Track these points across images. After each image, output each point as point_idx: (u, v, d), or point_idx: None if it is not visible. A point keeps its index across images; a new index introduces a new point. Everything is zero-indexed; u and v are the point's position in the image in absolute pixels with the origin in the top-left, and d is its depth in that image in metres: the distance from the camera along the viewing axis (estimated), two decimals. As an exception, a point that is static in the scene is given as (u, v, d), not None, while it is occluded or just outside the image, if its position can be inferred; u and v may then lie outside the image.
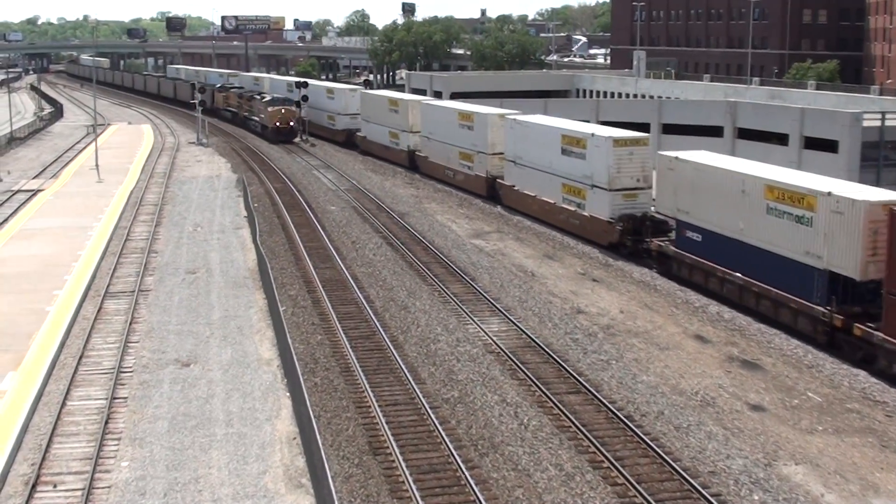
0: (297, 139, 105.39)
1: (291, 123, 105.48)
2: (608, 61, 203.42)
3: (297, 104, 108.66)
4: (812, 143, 70.28)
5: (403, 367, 33.94)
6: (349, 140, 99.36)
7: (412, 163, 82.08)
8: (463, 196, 69.28)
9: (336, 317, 39.85)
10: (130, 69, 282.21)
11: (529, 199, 60.41)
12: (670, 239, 46.98)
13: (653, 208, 50.17)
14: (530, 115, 66.45)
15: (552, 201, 57.28)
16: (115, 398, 31.37)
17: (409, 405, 30.79)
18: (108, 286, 44.86)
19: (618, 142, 51.27)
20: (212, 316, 40.46)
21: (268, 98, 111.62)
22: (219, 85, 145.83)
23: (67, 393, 31.71)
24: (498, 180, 65.57)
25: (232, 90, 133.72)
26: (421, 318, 39.87)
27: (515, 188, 62.45)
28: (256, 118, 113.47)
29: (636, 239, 49.70)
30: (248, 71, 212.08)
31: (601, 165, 51.70)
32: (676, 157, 45.74)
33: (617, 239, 50.63)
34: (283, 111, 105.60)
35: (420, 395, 31.22)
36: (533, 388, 32.25)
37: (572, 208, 54.87)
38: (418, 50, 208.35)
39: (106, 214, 61.41)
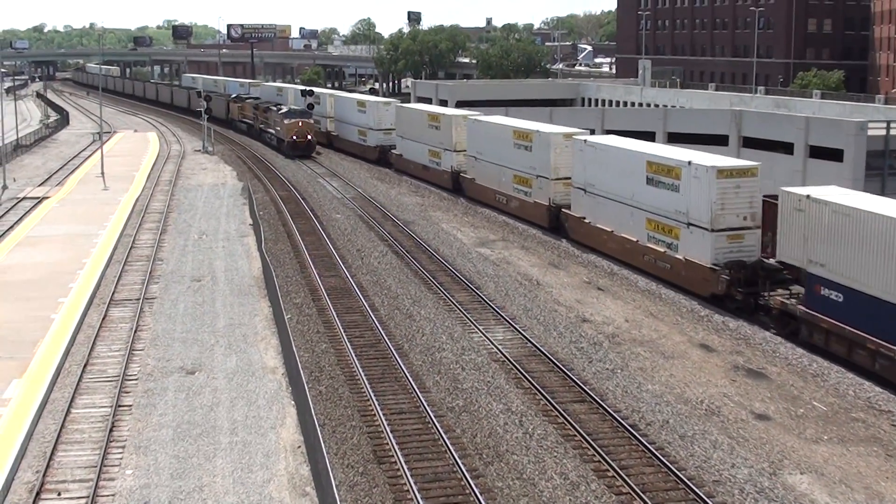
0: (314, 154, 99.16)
1: (309, 137, 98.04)
2: (613, 70, 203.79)
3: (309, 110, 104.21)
4: (817, 152, 70.26)
5: (408, 375, 33.92)
6: (382, 158, 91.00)
7: (456, 185, 73.89)
8: (521, 227, 60.99)
9: (341, 325, 39.85)
10: (137, 76, 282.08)
11: (604, 234, 52.00)
12: (795, 295, 39.05)
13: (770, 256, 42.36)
14: (604, 136, 58.96)
15: (634, 239, 49.12)
16: (120, 406, 31.36)
17: (413, 414, 30.77)
18: (113, 294, 44.89)
19: (722, 172, 43.13)
20: (217, 324, 40.46)
21: (284, 109, 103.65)
22: (234, 95, 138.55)
23: (72, 401, 31.72)
24: (564, 210, 56.94)
25: (247, 101, 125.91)
26: (426, 327, 39.86)
27: (586, 221, 54.04)
28: (272, 131, 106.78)
29: (749, 292, 41.31)
30: (254, 78, 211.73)
31: (701, 200, 43.73)
32: (808, 196, 37.63)
33: (723, 290, 42.19)
34: (300, 124, 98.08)
35: (425, 404, 31.19)
36: (538, 396, 32.23)
37: (661, 249, 46.78)
38: (424, 58, 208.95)
39: (111, 222, 61.47)
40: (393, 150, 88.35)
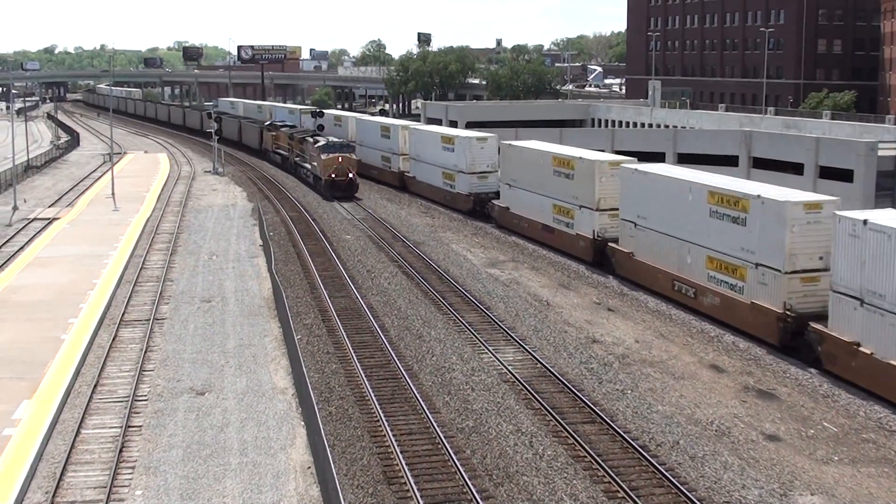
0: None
1: (351, 175, 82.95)
2: (623, 91, 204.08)
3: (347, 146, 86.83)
4: (827, 173, 70.32)
5: (418, 396, 33.89)
6: (478, 209, 72.72)
7: (600, 257, 54.40)
8: (728, 339, 41.18)
9: (351, 346, 39.84)
10: (149, 98, 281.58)
11: None
12: None
13: None
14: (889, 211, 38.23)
15: None
16: (130, 426, 31.38)
17: (423, 434, 30.73)
18: (123, 314, 44.96)
19: None
20: (227, 344, 40.49)
21: (321, 142, 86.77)
22: (268, 122, 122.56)
23: (82, 421, 31.74)
24: (814, 326, 37.59)
25: (282, 129, 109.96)
26: (436, 348, 39.83)
27: (864, 350, 34.69)
28: (308, 166, 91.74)
29: None
30: (264, 100, 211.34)
31: None
32: None
33: None
34: (339, 160, 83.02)
35: (435, 425, 31.15)
36: (548, 417, 32.17)
37: None
38: (434, 79, 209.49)
39: (122, 243, 61.60)
40: (494, 201, 69.98)
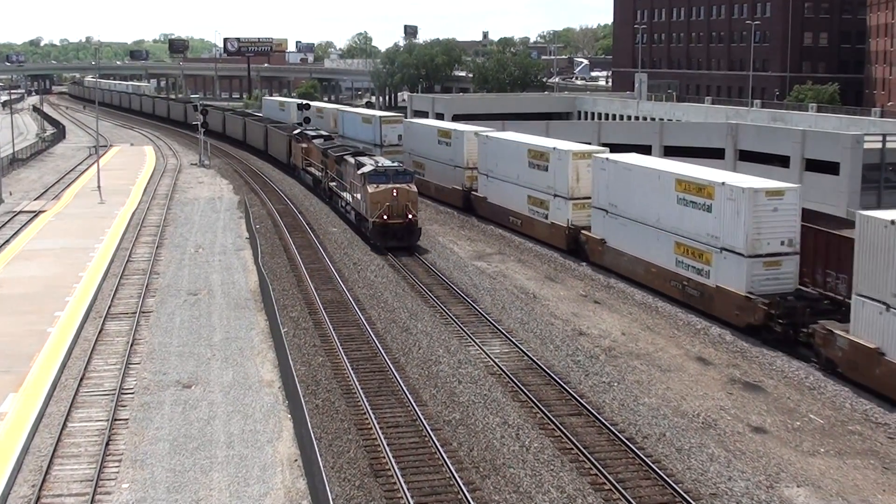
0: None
1: (410, 217, 57.34)
2: (610, 84, 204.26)
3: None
4: (813, 166, 70.45)
5: (405, 388, 33.87)
6: (774, 327, 38.70)
7: None
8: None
9: (337, 338, 39.80)
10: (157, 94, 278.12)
11: None
12: None
13: None
14: None
15: None
16: (116, 420, 31.31)
17: (410, 427, 30.73)
18: (109, 307, 44.83)
19: None
20: (213, 337, 40.42)
21: (367, 167, 59.07)
22: (297, 131, 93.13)
23: (68, 414, 31.66)
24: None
25: (314, 141, 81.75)
26: (422, 340, 39.81)
27: None
28: (347, 196, 65.33)
29: None
30: (250, 93, 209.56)
31: None
32: None
33: None
34: (394, 193, 57.09)
35: (422, 417, 31.15)
36: (534, 410, 32.19)
37: None
38: (420, 72, 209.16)
39: (108, 236, 61.43)
40: (830, 326, 35.97)
